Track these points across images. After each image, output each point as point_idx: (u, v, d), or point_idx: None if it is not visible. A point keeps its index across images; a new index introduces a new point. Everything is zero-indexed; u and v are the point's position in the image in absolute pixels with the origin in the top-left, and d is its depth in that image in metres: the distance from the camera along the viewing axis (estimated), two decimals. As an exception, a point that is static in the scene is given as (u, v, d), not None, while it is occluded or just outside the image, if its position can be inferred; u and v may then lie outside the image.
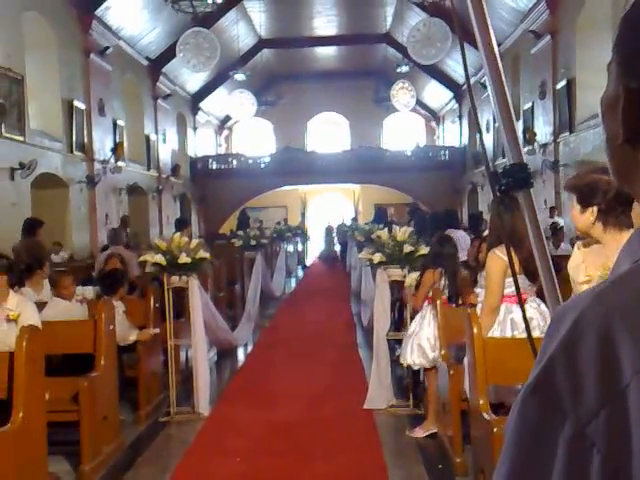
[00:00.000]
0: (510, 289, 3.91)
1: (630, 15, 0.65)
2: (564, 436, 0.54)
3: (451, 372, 4.46)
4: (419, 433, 5.06)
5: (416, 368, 5.21)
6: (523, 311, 3.44)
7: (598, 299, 0.57)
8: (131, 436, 5.22)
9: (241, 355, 8.55)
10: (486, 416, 3.45)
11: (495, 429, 3.26)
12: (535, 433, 0.56)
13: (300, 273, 20.23)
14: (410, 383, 5.91)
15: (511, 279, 3.90)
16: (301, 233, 24.02)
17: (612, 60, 0.67)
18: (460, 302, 5.16)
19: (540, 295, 3.96)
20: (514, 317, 3.88)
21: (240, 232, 12.41)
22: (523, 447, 0.57)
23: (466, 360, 4.01)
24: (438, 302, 4.92)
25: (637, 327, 0.54)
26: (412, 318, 5.83)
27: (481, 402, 3.56)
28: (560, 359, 0.56)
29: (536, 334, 3.85)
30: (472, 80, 22.12)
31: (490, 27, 1.10)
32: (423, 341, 5.02)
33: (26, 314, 4.44)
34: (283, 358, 8.08)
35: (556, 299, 1.11)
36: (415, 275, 5.50)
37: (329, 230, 25.16)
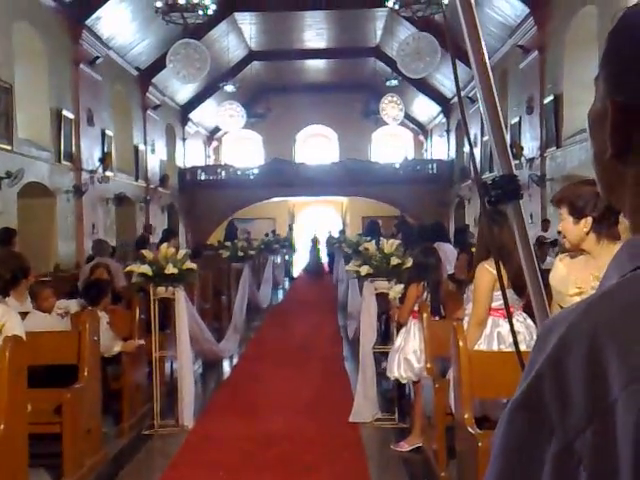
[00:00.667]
0: (497, 303, 3.92)
1: (617, 30, 0.65)
2: (551, 451, 0.54)
3: (436, 386, 4.45)
4: (404, 447, 5.04)
5: (404, 382, 5.20)
6: (511, 324, 3.43)
7: (585, 313, 0.57)
8: (114, 449, 5.16)
9: (227, 367, 8.50)
10: (471, 430, 3.44)
11: (480, 443, 3.25)
12: (522, 448, 0.55)
13: (287, 285, 20.18)
14: (395, 396, 5.90)
15: (499, 293, 3.91)
16: (289, 245, 24.01)
17: (599, 75, 0.67)
18: (444, 315, 5.16)
19: (527, 310, 3.97)
20: (501, 331, 3.88)
21: (228, 243, 12.36)
22: (509, 462, 0.56)
23: (451, 373, 4.00)
24: (425, 315, 4.91)
25: (625, 342, 0.53)
26: (397, 331, 5.83)
27: (466, 416, 3.55)
28: (547, 374, 0.55)
29: (522, 348, 3.85)
30: (461, 94, 22.33)
31: (482, 38, 1.11)
32: (409, 354, 5.01)
33: (11, 324, 4.39)
34: (269, 370, 8.03)
35: (545, 312, 1.11)
36: (399, 288, 5.49)
37: (315, 242, 25.12)
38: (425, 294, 5.15)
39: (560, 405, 0.54)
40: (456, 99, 22.93)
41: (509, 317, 1.50)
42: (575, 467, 0.52)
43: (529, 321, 3.97)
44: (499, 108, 1.12)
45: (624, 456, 0.50)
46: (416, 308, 5.10)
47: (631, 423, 0.50)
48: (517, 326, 3.88)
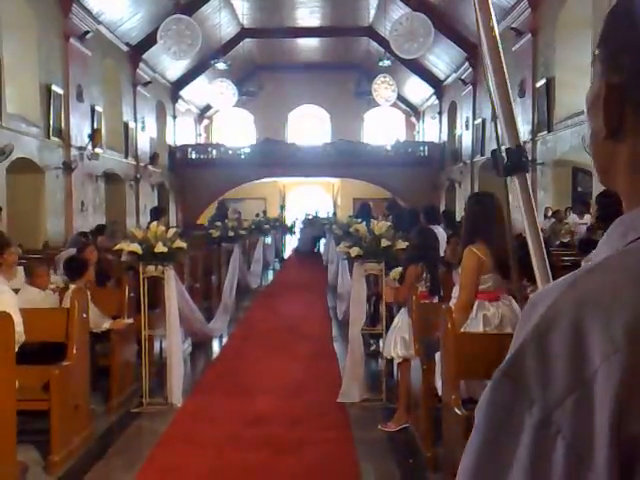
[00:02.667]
0: (484, 286, 3.95)
1: (615, 11, 0.66)
2: (531, 421, 0.55)
3: (424, 367, 4.48)
4: (391, 427, 5.09)
5: (399, 361, 5.20)
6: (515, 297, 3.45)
7: (571, 287, 0.59)
8: (102, 426, 5.18)
9: (216, 347, 8.53)
10: (457, 411, 3.48)
11: (466, 424, 3.29)
12: (503, 417, 0.57)
13: (277, 266, 20.20)
14: (383, 377, 5.94)
15: (486, 276, 3.94)
16: (280, 225, 23.96)
17: (596, 57, 0.68)
18: (442, 295, 5.17)
19: (512, 293, 4.00)
20: (487, 314, 3.91)
21: (218, 223, 12.32)
22: (491, 430, 0.58)
23: (438, 355, 4.03)
24: (414, 297, 4.94)
25: (606, 314, 0.55)
26: (389, 312, 5.85)
27: (453, 397, 3.59)
28: (531, 345, 0.57)
29: (507, 331, 3.89)
30: (452, 77, 22.22)
31: (490, 5, 1.11)
32: (406, 333, 5.03)
33: (3, 299, 4.40)
34: (258, 350, 8.07)
35: (547, 280, 1.12)
36: (398, 270, 5.50)
37: (310, 222, 24.84)
38: (425, 275, 5.16)
39: (542, 376, 0.56)
40: (449, 80, 22.88)
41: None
42: (553, 437, 0.54)
43: (514, 304, 4.00)
44: (507, 80, 1.12)
45: (602, 424, 0.52)
46: (423, 290, 5.10)
47: (611, 392, 0.52)
48: (503, 309, 3.92)
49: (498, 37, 1.11)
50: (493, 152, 1.13)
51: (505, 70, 1.11)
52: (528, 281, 4.94)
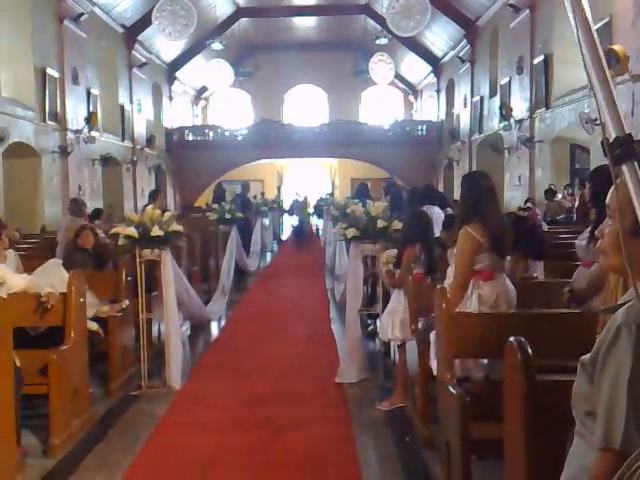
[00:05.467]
0: (479, 265, 3.95)
1: None
2: None
3: (420, 347, 4.50)
4: (385, 406, 5.12)
5: (399, 343, 5.20)
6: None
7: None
8: (101, 409, 5.21)
9: (214, 329, 8.56)
10: (452, 390, 3.50)
11: (460, 402, 3.31)
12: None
13: (275, 248, 20.20)
14: (381, 357, 5.97)
15: (482, 255, 3.94)
16: (277, 207, 23.91)
17: None
18: (437, 276, 5.17)
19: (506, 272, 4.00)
20: (481, 293, 3.92)
21: (215, 205, 12.30)
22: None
23: (433, 334, 4.05)
24: (410, 277, 4.94)
25: None
26: (386, 294, 5.84)
27: (447, 376, 3.61)
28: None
29: (502, 309, 3.90)
30: (450, 55, 22.04)
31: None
32: (403, 316, 5.03)
33: (11, 279, 4.51)
34: (256, 332, 8.10)
35: None
36: (392, 252, 5.49)
37: (303, 204, 24.61)
38: (422, 256, 5.16)
39: None
40: (447, 58, 22.70)
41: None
42: None
43: (509, 283, 4.01)
44: (608, 73, 1.12)
45: None
46: (419, 271, 5.08)
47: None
48: (498, 289, 3.92)
49: (595, 35, 1.11)
50: (602, 143, 1.14)
51: (604, 63, 1.11)
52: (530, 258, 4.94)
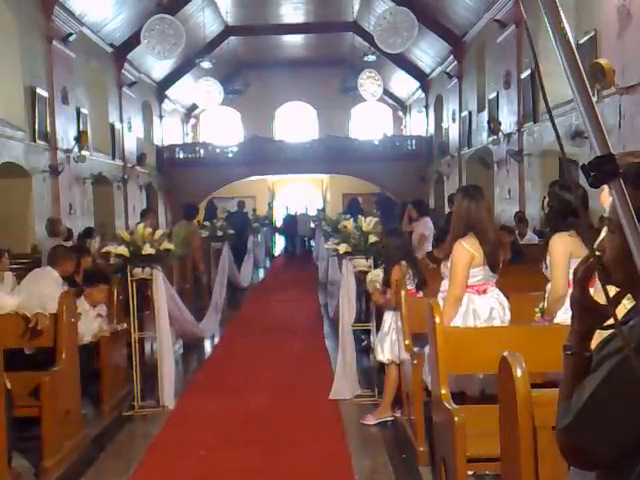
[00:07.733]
0: (473, 279, 3.96)
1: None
2: None
3: (414, 362, 4.49)
4: (370, 420, 5.09)
5: (398, 363, 5.16)
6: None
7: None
8: (94, 431, 5.16)
9: (208, 347, 8.51)
10: (447, 405, 3.49)
11: (456, 418, 3.30)
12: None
13: (268, 264, 20.16)
14: (375, 373, 5.94)
15: (475, 270, 3.95)
16: (269, 223, 23.91)
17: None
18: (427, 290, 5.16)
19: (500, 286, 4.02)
20: (475, 307, 3.93)
21: (207, 223, 12.29)
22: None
23: (427, 349, 4.04)
24: (402, 293, 4.94)
25: None
26: (377, 313, 5.81)
27: (443, 391, 3.59)
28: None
29: (496, 323, 3.91)
30: (437, 70, 22.22)
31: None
32: (396, 337, 5.00)
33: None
34: (250, 349, 8.06)
35: None
36: (376, 272, 5.48)
37: (293, 220, 24.45)
38: (410, 273, 5.15)
39: None
40: (434, 74, 22.88)
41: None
42: None
43: (502, 297, 4.02)
44: (588, 84, 1.12)
45: None
46: (410, 288, 5.07)
47: None
48: (491, 302, 3.93)
49: (575, 50, 1.11)
50: (583, 166, 1.13)
51: (585, 79, 1.11)
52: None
